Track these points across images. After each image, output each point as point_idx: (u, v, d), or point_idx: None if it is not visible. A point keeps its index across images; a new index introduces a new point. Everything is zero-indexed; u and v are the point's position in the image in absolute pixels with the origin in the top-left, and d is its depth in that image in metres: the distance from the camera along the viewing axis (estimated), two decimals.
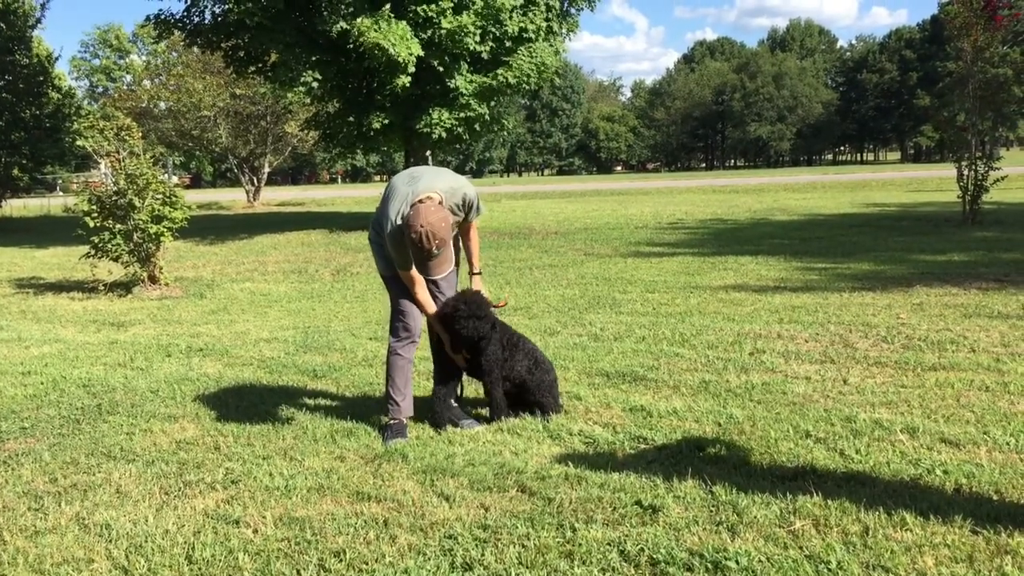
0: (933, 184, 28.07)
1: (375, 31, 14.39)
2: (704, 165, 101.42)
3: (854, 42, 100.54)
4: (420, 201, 3.83)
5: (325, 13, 15.11)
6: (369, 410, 4.52)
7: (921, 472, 3.34)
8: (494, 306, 4.28)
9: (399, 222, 3.86)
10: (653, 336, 6.19)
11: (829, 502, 3.04)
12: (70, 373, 5.82)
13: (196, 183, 72.25)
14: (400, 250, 3.93)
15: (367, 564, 2.80)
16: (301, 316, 8.26)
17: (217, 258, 13.85)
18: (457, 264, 4.42)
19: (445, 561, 2.79)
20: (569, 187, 39.75)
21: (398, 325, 4.21)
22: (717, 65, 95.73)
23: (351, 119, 17.45)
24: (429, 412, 4.28)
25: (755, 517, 2.97)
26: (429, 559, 2.80)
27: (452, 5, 15.25)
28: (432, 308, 4.15)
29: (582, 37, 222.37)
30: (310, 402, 4.77)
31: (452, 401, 4.40)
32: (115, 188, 9.83)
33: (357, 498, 3.34)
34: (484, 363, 4.21)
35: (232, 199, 36.48)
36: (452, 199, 4.01)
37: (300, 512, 3.22)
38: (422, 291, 4.11)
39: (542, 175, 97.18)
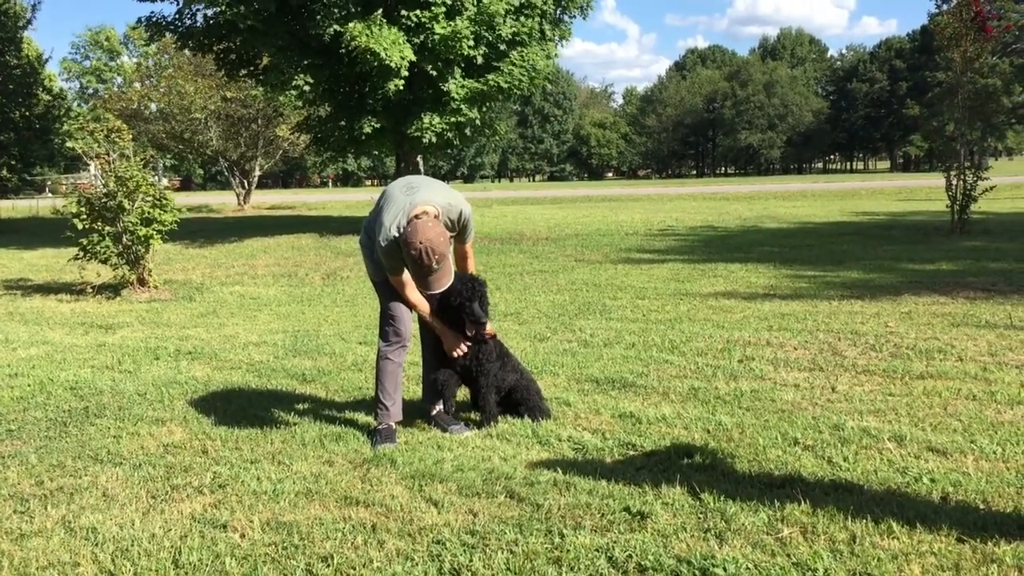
0: (922, 193, 28.27)
1: (367, 36, 14.39)
2: (695, 172, 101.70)
3: (844, 51, 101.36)
4: (417, 216, 3.83)
5: (317, 17, 15.10)
6: (358, 415, 4.51)
7: (908, 480, 3.35)
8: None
9: (395, 232, 3.86)
10: (643, 343, 6.20)
11: (817, 510, 3.05)
12: (57, 375, 5.78)
13: (186, 185, 71.97)
14: (392, 258, 3.93)
15: (355, 569, 2.79)
16: (290, 320, 8.24)
17: (206, 261, 13.80)
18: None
19: (433, 567, 2.78)
20: (560, 193, 39.80)
21: (388, 329, 4.21)
22: (708, 73, 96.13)
23: (342, 123, 17.45)
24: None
25: (743, 524, 2.98)
26: (417, 564, 2.80)
27: (444, 11, 15.27)
28: (426, 306, 4.17)
29: (574, 44, 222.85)
30: (299, 406, 4.76)
31: (440, 407, 4.40)
32: (105, 190, 9.79)
33: (345, 503, 3.33)
34: (482, 355, 4.21)
35: (222, 202, 36.29)
36: (449, 214, 4.03)
37: (288, 517, 3.21)
38: (413, 292, 4.11)
39: (533, 181, 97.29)
